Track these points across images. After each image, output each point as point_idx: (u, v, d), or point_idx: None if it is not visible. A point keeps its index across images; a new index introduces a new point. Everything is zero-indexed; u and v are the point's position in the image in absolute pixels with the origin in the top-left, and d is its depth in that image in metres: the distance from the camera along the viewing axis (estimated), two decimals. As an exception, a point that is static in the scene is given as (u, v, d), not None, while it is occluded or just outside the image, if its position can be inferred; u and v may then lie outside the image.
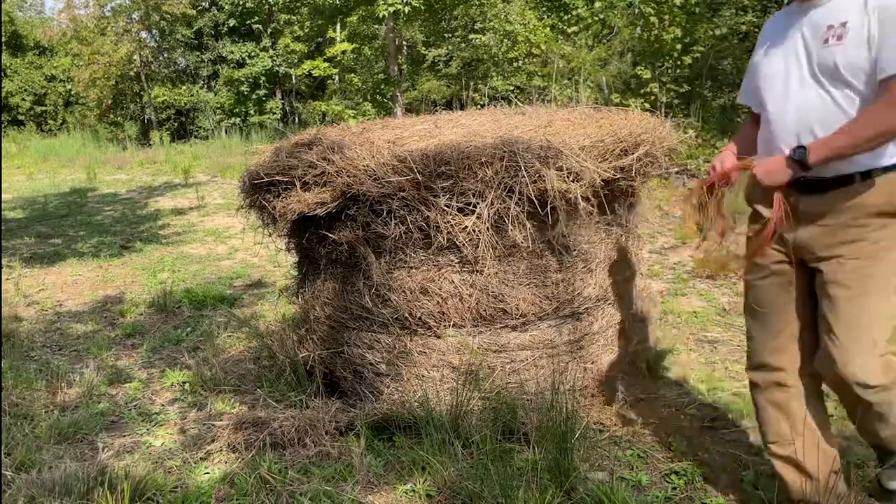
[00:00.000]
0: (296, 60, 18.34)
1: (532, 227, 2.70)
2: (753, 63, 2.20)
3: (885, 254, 1.93)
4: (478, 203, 2.62)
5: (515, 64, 11.69)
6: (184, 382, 3.51)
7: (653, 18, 9.58)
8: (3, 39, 20.53)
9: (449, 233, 2.65)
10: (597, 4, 10.55)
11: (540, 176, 2.57)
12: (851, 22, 1.86)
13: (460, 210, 2.64)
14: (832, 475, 2.13)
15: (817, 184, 1.96)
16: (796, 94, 2.00)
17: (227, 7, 19.21)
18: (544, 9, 12.85)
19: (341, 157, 2.74)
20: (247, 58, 19.40)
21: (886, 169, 1.90)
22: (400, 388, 2.87)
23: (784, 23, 2.08)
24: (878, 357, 1.95)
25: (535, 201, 2.61)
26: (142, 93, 20.32)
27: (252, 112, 19.37)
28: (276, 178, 2.88)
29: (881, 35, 1.80)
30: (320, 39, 19.00)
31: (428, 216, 2.65)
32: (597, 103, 8.73)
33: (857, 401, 2.00)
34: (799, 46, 1.99)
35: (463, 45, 14.15)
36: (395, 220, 2.69)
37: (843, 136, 1.84)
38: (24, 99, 21.32)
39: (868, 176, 1.91)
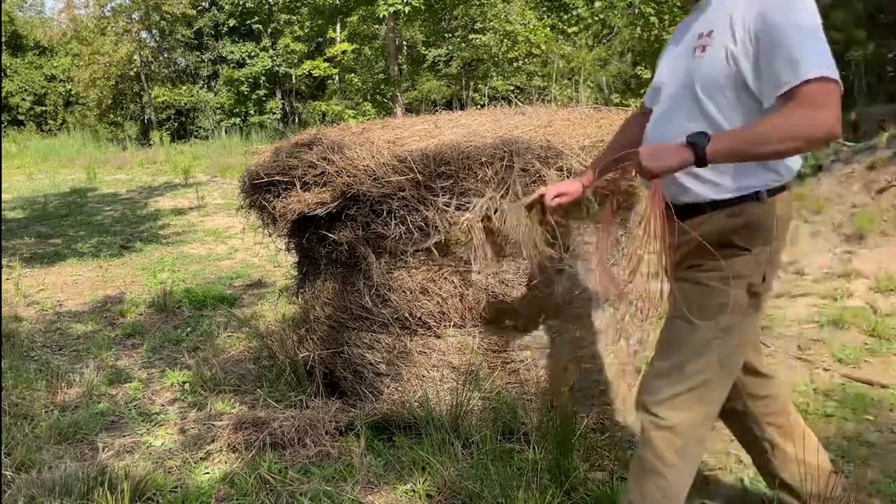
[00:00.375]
0: (296, 60, 18.36)
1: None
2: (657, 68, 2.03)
3: (717, 283, 1.74)
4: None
5: (515, 64, 11.70)
6: (184, 382, 3.51)
7: (653, 18, 9.59)
8: (3, 39, 20.52)
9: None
10: (597, 4, 10.56)
11: (540, 176, 2.57)
12: (717, 32, 1.69)
13: (460, 210, 2.64)
14: (822, 482, 2.04)
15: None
16: (660, 110, 1.87)
17: (227, 7, 19.22)
18: (544, 9, 12.85)
19: (341, 157, 2.74)
20: (247, 58, 19.41)
21: (730, 201, 1.73)
22: (400, 388, 2.87)
23: (685, 26, 1.88)
24: (676, 388, 1.77)
25: (535, 201, 2.61)
26: (142, 93, 20.33)
27: (252, 112, 19.38)
28: (276, 178, 2.88)
29: (770, 50, 1.59)
30: (320, 39, 19.01)
31: (427, 216, 2.64)
32: (597, 103, 8.73)
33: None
34: (681, 57, 1.82)
35: (463, 45, 14.15)
36: (396, 220, 2.69)
37: (746, 135, 1.60)
38: (24, 99, 21.34)
39: (716, 207, 1.74)
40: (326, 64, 15.74)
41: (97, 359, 3.88)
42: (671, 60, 1.88)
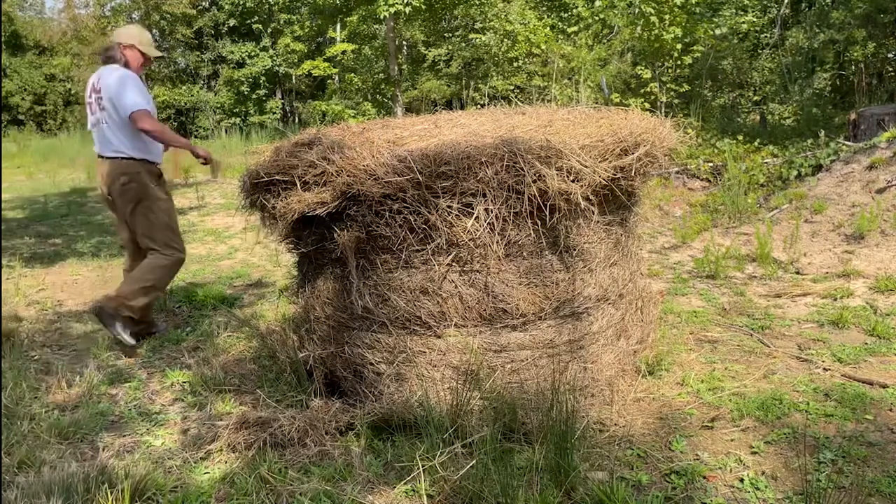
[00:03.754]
0: (296, 60, 18.35)
1: (532, 226, 2.70)
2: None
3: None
4: (478, 203, 2.62)
5: (515, 64, 11.70)
6: (184, 382, 3.51)
7: (653, 18, 9.58)
8: (3, 39, 20.52)
9: (449, 233, 2.65)
10: (597, 4, 10.55)
11: (540, 176, 2.57)
12: None
13: (460, 210, 2.64)
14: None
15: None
16: None
17: (227, 7, 19.22)
18: (544, 8, 12.86)
19: (341, 156, 2.74)
20: (247, 58, 19.41)
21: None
22: (400, 388, 2.87)
23: None
24: None
25: (536, 201, 2.61)
26: (142, 93, 20.29)
27: (252, 112, 19.39)
28: (277, 177, 2.88)
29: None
30: (320, 39, 19.00)
31: (428, 217, 2.65)
32: (597, 103, 8.73)
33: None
34: None
35: (463, 44, 14.16)
36: (396, 220, 2.69)
37: None
38: (24, 99, 21.33)
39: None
40: (326, 64, 15.71)
41: (97, 359, 3.88)
42: None
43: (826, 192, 6.08)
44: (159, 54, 4.33)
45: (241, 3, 18.64)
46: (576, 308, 2.88)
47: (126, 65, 4.01)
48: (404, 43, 17.07)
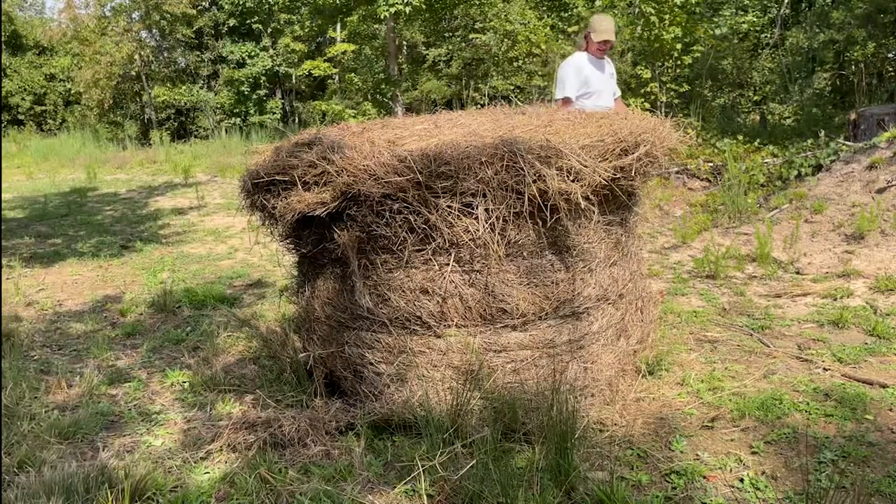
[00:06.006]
0: (296, 60, 18.35)
1: (532, 226, 2.70)
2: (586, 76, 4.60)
3: None
4: (478, 203, 2.62)
5: (515, 63, 11.69)
6: (184, 382, 3.51)
7: (653, 18, 9.57)
8: (3, 39, 20.52)
9: (449, 233, 2.65)
10: (597, 4, 10.55)
11: (540, 176, 2.57)
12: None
13: (460, 210, 2.64)
14: None
15: None
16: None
17: (227, 7, 19.22)
18: (544, 8, 12.85)
19: (341, 156, 2.74)
20: (247, 58, 19.41)
21: None
22: (400, 388, 2.87)
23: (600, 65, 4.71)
24: None
25: (536, 201, 2.61)
26: (142, 92, 20.32)
27: (252, 112, 19.39)
28: (277, 177, 2.88)
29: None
30: (320, 39, 19.01)
31: (428, 217, 2.65)
32: (597, 103, 8.68)
33: None
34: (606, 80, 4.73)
35: (463, 44, 14.15)
36: (396, 220, 2.69)
37: None
38: (23, 99, 21.34)
39: None
40: (326, 64, 15.71)
41: (97, 359, 3.88)
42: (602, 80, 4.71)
43: (826, 192, 6.07)
44: (604, 38, 4.55)
45: (241, 3, 18.63)
46: (576, 308, 2.88)
47: (586, 49, 4.71)
48: (404, 43, 17.07)
